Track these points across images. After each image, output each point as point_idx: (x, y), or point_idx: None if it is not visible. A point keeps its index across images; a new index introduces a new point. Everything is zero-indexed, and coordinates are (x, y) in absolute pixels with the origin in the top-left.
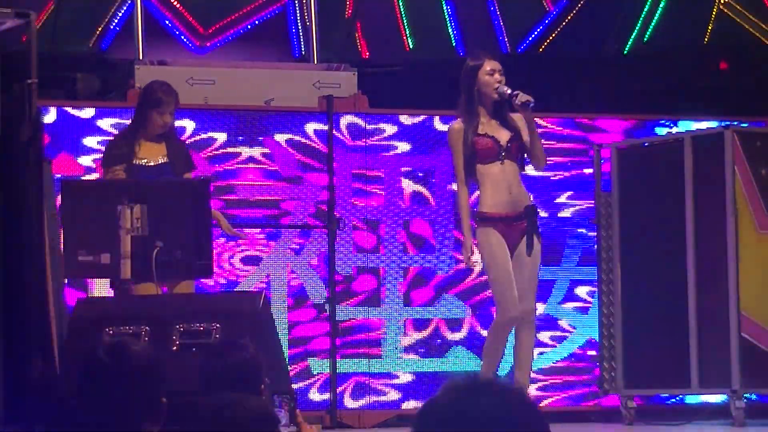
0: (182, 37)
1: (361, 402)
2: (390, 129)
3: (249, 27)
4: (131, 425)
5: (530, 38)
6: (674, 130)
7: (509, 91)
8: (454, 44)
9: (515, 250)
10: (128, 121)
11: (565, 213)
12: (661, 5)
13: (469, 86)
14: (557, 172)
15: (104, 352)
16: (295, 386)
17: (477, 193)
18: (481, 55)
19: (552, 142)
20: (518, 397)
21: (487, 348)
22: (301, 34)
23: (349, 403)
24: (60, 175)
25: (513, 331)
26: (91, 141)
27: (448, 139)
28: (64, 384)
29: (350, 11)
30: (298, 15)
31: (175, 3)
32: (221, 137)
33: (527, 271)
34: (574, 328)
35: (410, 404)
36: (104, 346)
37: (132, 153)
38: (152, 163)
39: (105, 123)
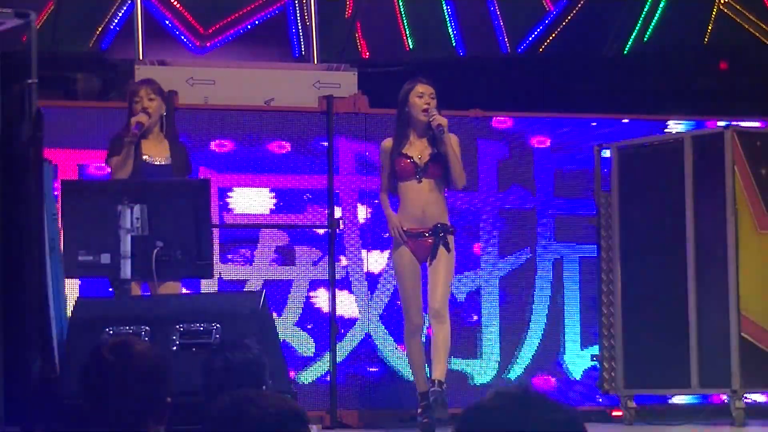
0: (182, 37)
1: (361, 402)
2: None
3: (249, 27)
4: (135, 425)
5: (530, 38)
6: (674, 130)
7: (429, 115)
8: (454, 44)
9: (428, 262)
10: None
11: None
12: (661, 5)
13: (401, 107)
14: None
15: (109, 350)
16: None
17: None
18: (416, 79)
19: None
20: (568, 417)
21: (409, 357)
22: (301, 34)
23: (349, 403)
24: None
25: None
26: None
27: (379, 155)
28: (65, 384)
29: (350, 11)
30: (298, 15)
31: (175, 3)
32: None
33: (439, 274)
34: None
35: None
36: (109, 345)
37: (136, 150)
38: (157, 162)
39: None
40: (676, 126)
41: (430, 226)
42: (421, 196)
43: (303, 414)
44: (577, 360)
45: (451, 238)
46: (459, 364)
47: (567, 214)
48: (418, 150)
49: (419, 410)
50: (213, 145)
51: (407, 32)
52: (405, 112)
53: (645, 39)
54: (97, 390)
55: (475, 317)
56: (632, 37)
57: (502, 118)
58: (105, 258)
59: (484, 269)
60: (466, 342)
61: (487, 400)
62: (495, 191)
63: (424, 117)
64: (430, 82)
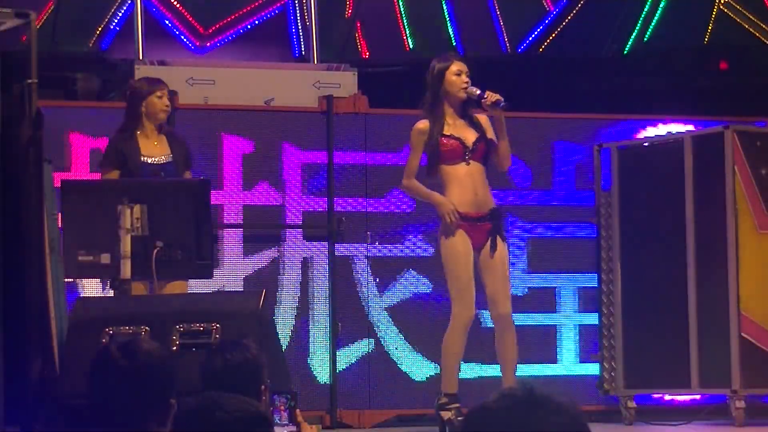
0: (182, 37)
1: (361, 402)
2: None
3: (249, 27)
4: (139, 425)
5: (530, 38)
6: (674, 130)
7: (478, 92)
8: (454, 44)
9: (481, 251)
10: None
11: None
12: (661, 5)
13: (436, 87)
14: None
15: (117, 349)
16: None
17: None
18: (449, 57)
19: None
20: (572, 418)
21: (448, 350)
22: (301, 34)
23: (349, 403)
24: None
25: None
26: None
27: (411, 138)
28: (65, 384)
29: (350, 11)
30: (298, 15)
31: (175, 3)
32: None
33: (498, 273)
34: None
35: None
36: (117, 344)
37: (135, 152)
38: (158, 161)
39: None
40: (669, 125)
41: (486, 211)
42: (471, 179)
43: (268, 417)
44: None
45: (503, 224)
46: None
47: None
48: (461, 131)
49: (449, 414)
50: (212, 145)
51: (407, 32)
52: (440, 91)
53: (645, 39)
54: (104, 389)
55: None
56: (632, 37)
57: None
58: (105, 258)
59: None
60: None
61: (492, 401)
62: None
63: (464, 95)
64: (463, 58)
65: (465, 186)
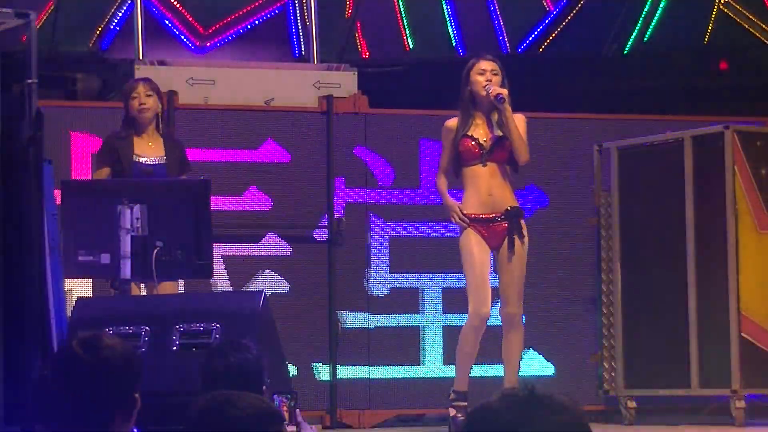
0: (182, 37)
1: (361, 402)
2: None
3: (249, 27)
4: (103, 422)
5: (530, 38)
6: (673, 130)
7: (491, 89)
8: (454, 44)
9: (499, 251)
10: None
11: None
12: (661, 5)
13: (464, 86)
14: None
15: (79, 345)
16: None
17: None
18: (479, 56)
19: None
20: (573, 417)
21: (461, 349)
22: (301, 34)
23: (349, 403)
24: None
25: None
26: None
27: (441, 135)
28: None
29: (350, 11)
30: (298, 15)
31: (175, 3)
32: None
33: (514, 274)
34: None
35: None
36: (79, 339)
37: (129, 151)
38: (150, 162)
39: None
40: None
41: (502, 211)
42: (486, 181)
43: (279, 414)
44: None
45: (523, 223)
46: None
47: None
48: (483, 132)
49: (453, 411)
50: (212, 145)
51: (407, 32)
52: (468, 90)
53: (645, 39)
54: (67, 385)
55: None
56: (632, 37)
57: None
58: (105, 258)
59: None
60: None
61: (494, 401)
62: None
63: (485, 94)
64: (494, 58)
65: (479, 187)
